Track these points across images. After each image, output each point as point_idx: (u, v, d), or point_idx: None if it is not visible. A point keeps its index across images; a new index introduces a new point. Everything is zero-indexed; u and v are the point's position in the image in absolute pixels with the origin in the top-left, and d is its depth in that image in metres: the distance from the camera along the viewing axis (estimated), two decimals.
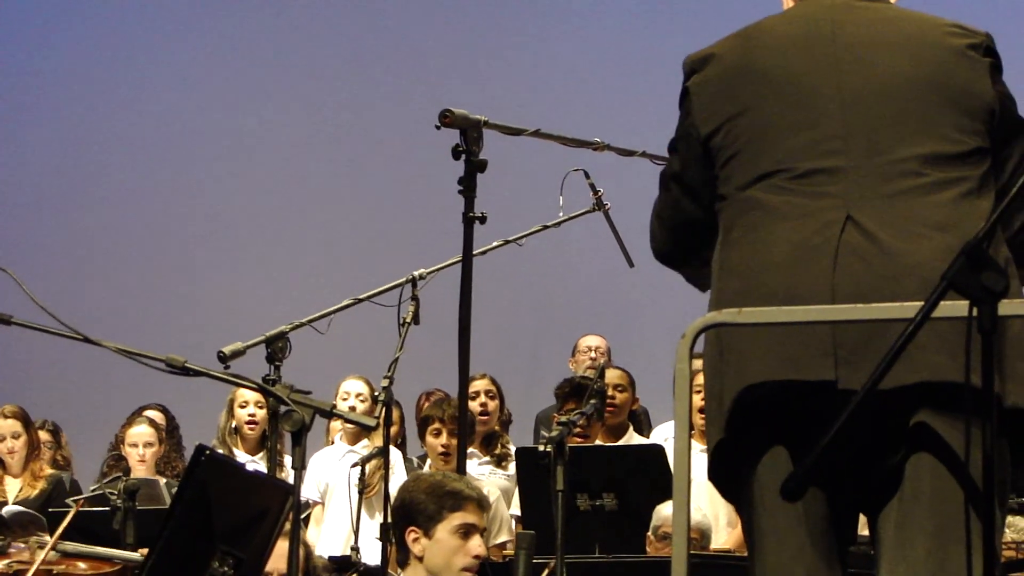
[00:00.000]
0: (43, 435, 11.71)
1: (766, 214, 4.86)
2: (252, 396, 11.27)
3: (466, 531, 6.90)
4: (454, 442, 9.89)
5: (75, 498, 10.66)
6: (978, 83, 4.91)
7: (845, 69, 4.92)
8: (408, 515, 6.98)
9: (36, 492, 11.01)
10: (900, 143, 4.82)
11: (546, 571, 6.87)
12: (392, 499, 7.54)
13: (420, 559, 6.90)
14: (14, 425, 11.45)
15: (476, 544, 6.91)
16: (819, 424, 4.46)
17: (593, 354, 13.07)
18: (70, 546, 6.60)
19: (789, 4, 5.26)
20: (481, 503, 7.06)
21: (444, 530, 6.89)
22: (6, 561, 6.55)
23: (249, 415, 11.52)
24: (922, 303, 4.13)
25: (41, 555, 6.41)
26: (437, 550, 6.89)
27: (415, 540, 6.92)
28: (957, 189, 4.78)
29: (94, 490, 8.62)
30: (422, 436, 11.43)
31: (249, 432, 11.57)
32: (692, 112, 5.10)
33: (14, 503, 10.04)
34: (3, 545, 6.67)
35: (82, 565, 6.25)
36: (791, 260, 4.76)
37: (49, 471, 11.48)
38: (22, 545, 6.68)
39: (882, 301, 4.54)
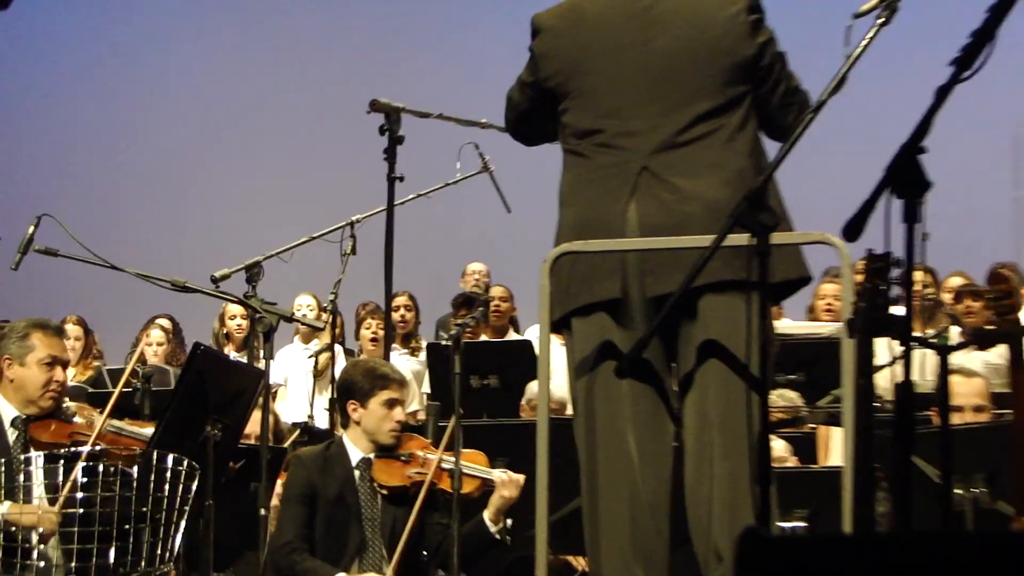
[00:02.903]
0: (87, 339, 11.80)
1: (588, 164, 4.98)
2: (238, 310, 11.31)
3: (391, 403, 6.93)
4: (381, 332, 10.01)
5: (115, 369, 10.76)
6: (742, 42, 4.93)
7: (644, 47, 4.95)
8: (349, 391, 6.99)
9: (85, 378, 11.05)
10: (682, 105, 4.89)
11: (448, 432, 6.88)
12: (336, 380, 7.59)
13: (358, 423, 6.93)
14: (76, 330, 11.55)
15: (398, 412, 6.95)
16: (623, 323, 4.87)
17: (477, 276, 13.12)
18: (112, 423, 6.55)
19: None
20: (402, 383, 7.10)
21: (375, 403, 6.91)
22: (71, 429, 6.51)
23: (236, 325, 11.60)
24: (714, 235, 4.20)
25: (98, 426, 6.37)
26: (371, 417, 6.92)
27: (354, 410, 6.94)
28: (724, 133, 4.89)
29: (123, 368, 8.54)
30: (357, 332, 11.77)
31: (237, 335, 11.63)
32: (537, 68, 5.13)
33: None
34: (70, 414, 6.63)
35: (116, 454, 6.21)
36: (602, 198, 4.91)
37: (96, 363, 11.57)
38: (80, 420, 6.64)
39: (673, 224, 4.79)
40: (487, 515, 6.84)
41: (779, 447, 7.97)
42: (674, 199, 4.81)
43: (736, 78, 4.92)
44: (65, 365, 6.79)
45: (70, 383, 10.09)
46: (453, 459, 6.66)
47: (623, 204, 4.85)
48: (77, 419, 6.63)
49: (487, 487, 6.86)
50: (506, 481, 6.84)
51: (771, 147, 4.96)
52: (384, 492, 6.85)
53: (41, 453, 6.05)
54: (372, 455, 6.92)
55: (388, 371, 7.10)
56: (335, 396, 7.49)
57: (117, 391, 6.66)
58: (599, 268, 4.89)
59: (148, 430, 6.58)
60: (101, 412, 6.52)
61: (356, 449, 6.93)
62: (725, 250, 4.28)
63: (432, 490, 6.82)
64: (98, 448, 6.09)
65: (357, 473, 6.89)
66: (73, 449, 6.12)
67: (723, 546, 4.71)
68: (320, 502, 6.80)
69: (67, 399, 6.88)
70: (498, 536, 6.85)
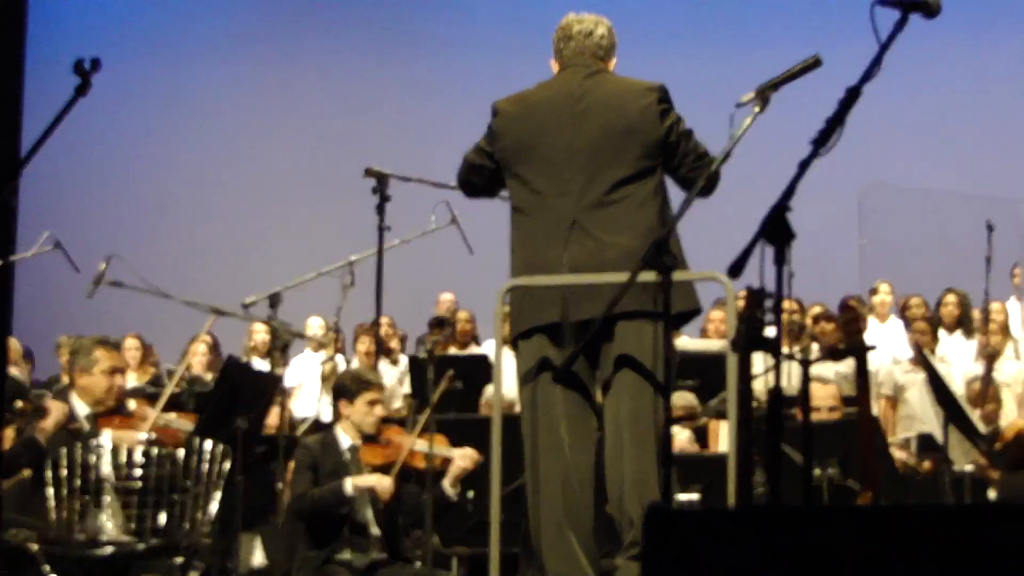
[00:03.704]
0: (144, 350, 11.76)
1: (532, 219, 5.01)
2: (262, 328, 11.27)
3: (373, 402, 6.91)
4: (372, 347, 9.97)
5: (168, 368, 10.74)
6: (651, 127, 4.96)
7: (576, 129, 4.99)
8: (340, 392, 6.99)
9: (144, 381, 11.01)
10: (604, 176, 4.94)
11: (421, 421, 6.90)
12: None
13: (347, 417, 6.91)
14: (136, 343, 11.63)
15: (379, 409, 6.94)
16: (557, 343, 4.91)
17: (447, 303, 13.09)
18: (162, 416, 6.53)
19: (555, 70, 5.26)
20: (381, 387, 7.12)
21: (360, 402, 6.89)
22: (131, 423, 6.49)
23: (261, 340, 11.56)
24: (629, 273, 4.22)
25: (152, 417, 6.35)
26: (357, 413, 6.89)
27: (344, 407, 6.92)
28: (637, 199, 4.93)
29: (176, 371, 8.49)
30: (353, 346, 11.60)
31: (261, 348, 11.58)
32: (493, 141, 5.16)
33: (132, 386, 9.97)
34: (129, 411, 6.61)
35: (167, 441, 6.20)
36: (543, 246, 4.95)
37: (152, 370, 11.53)
38: (136, 409, 6.61)
39: (595, 268, 4.82)
40: (446, 482, 6.83)
41: (684, 438, 8.00)
42: (597, 247, 4.86)
43: (648, 154, 4.95)
44: (124, 372, 6.74)
45: (132, 385, 10.07)
46: (425, 443, 6.69)
47: (558, 251, 4.90)
48: (136, 414, 6.60)
49: (447, 462, 6.87)
50: (461, 455, 6.86)
51: (675, 202, 4.98)
52: (369, 470, 6.83)
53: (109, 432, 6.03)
54: (359, 442, 6.90)
55: (371, 377, 7.11)
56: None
57: (166, 394, 6.68)
58: (543, 299, 4.93)
59: (189, 424, 6.57)
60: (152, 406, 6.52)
61: (347, 437, 6.91)
62: (635, 289, 4.31)
63: (405, 466, 6.82)
64: (153, 436, 6.10)
65: (347, 455, 6.86)
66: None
67: (634, 515, 4.74)
68: (320, 476, 6.78)
69: (130, 399, 6.85)
70: (455, 499, 6.86)
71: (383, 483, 6.64)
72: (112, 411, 6.54)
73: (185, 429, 6.49)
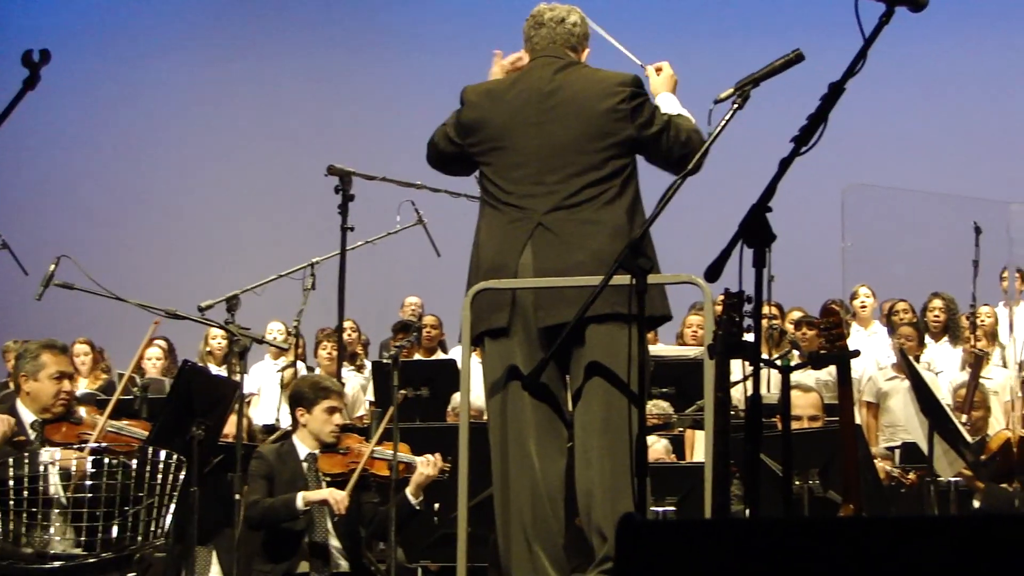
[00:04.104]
0: (95, 355, 11.69)
1: (499, 216, 5.05)
2: (219, 333, 11.22)
3: (331, 410, 6.89)
4: (335, 352, 9.95)
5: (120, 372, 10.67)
6: (621, 127, 4.98)
7: (544, 129, 5.02)
8: (298, 400, 6.97)
9: (96, 387, 10.96)
10: (572, 176, 4.96)
11: (380, 429, 6.90)
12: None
13: (305, 426, 6.89)
14: (85, 348, 11.54)
15: (338, 418, 6.92)
16: (524, 345, 4.95)
17: (413, 307, 13.07)
18: (113, 424, 6.48)
19: (526, 59, 5.30)
20: (340, 394, 7.09)
21: (319, 410, 6.87)
22: (79, 430, 6.42)
23: (218, 345, 11.50)
24: (597, 277, 4.23)
25: (99, 427, 6.30)
26: (315, 421, 6.87)
27: (302, 415, 6.91)
28: (605, 197, 4.94)
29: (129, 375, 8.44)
30: (316, 351, 11.60)
31: (218, 354, 11.52)
32: (462, 133, 5.19)
33: (83, 392, 9.91)
34: (78, 418, 6.54)
35: (118, 450, 6.14)
36: (505, 246, 4.98)
37: (104, 376, 11.51)
38: (88, 422, 6.55)
39: (562, 268, 4.86)
40: (409, 490, 6.80)
41: (660, 448, 8.01)
42: (563, 248, 4.88)
43: (617, 154, 4.96)
44: (72, 377, 6.68)
45: (84, 391, 10.01)
46: (384, 449, 6.69)
47: (519, 253, 4.93)
48: (85, 421, 6.55)
49: (409, 470, 6.85)
50: (424, 463, 6.84)
51: (649, 204, 4.97)
52: (327, 480, 6.81)
53: (57, 449, 5.98)
54: (317, 451, 6.87)
55: (330, 384, 7.09)
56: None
57: (114, 399, 6.65)
58: (494, 303, 4.97)
59: (143, 431, 6.53)
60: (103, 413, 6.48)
61: (304, 447, 6.89)
62: (607, 291, 4.32)
63: (365, 474, 6.81)
64: (102, 446, 6.06)
65: (305, 465, 6.84)
66: (79, 446, 6.09)
67: (606, 528, 4.75)
68: (276, 485, 6.75)
69: (81, 405, 6.80)
70: (419, 508, 6.84)
71: (335, 496, 6.61)
72: (61, 418, 6.49)
73: (138, 437, 6.45)
